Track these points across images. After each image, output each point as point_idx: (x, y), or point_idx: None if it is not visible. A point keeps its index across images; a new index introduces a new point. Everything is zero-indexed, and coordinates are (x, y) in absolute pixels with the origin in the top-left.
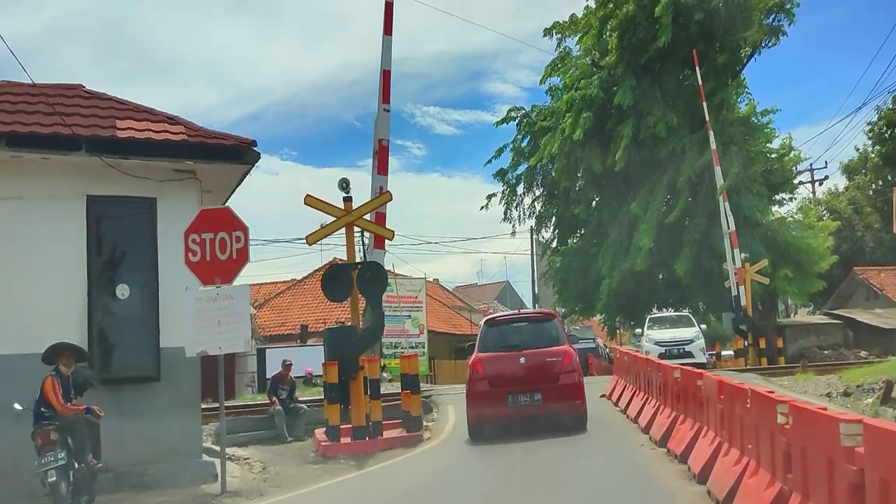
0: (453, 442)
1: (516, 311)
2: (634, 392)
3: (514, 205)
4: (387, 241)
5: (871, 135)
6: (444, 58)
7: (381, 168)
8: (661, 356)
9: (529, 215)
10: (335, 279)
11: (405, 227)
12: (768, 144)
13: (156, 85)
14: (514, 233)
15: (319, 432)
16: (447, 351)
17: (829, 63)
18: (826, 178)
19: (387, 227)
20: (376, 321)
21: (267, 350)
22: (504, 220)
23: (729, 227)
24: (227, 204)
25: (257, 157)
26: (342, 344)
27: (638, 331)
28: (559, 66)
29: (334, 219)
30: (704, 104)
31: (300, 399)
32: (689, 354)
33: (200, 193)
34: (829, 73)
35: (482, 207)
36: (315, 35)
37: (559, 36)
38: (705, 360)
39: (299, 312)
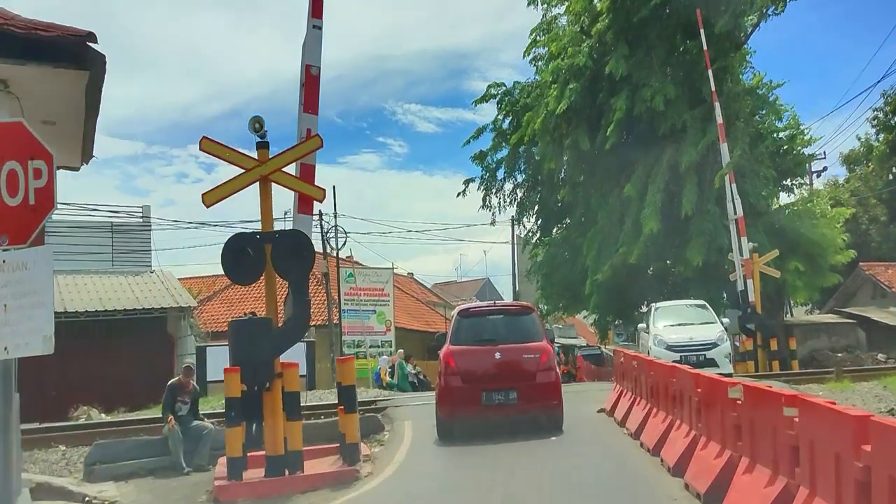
0: (401, 480)
1: (492, 303)
2: (650, 410)
3: (494, 190)
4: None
5: (875, 122)
6: (426, 55)
7: (310, 105)
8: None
9: (510, 202)
10: (240, 253)
11: (387, 224)
12: (776, 123)
13: (133, 78)
14: (493, 222)
15: (224, 462)
16: (419, 350)
17: (825, 54)
18: (825, 168)
19: (317, 185)
20: (299, 312)
21: (209, 349)
22: (483, 207)
23: (735, 212)
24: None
25: (101, 60)
26: (251, 343)
27: (643, 325)
28: (545, 31)
29: (243, 171)
30: (710, 71)
31: (204, 414)
32: (712, 363)
33: (23, 117)
34: (826, 64)
35: (459, 194)
36: (295, 30)
37: (545, 4)
38: (731, 370)
39: (253, 305)
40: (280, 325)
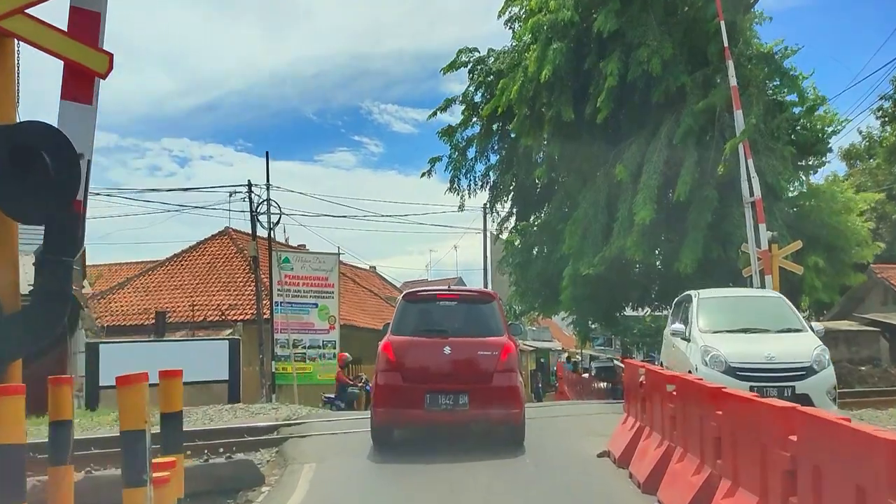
0: None
1: (445, 287)
2: (714, 480)
3: (464, 171)
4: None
5: (880, 114)
6: (405, 56)
7: None
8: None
9: (482, 186)
10: None
11: (360, 223)
12: (789, 97)
13: (114, 73)
14: (462, 206)
15: None
16: (373, 351)
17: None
18: (825, 163)
19: (101, 48)
20: (51, 283)
21: (102, 347)
22: (450, 190)
23: (752, 194)
24: None
25: None
26: None
27: (678, 326)
28: None
29: None
30: (722, 22)
31: None
32: (805, 399)
33: None
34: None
35: (424, 173)
36: (275, 25)
37: None
38: (835, 407)
39: (171, 297)
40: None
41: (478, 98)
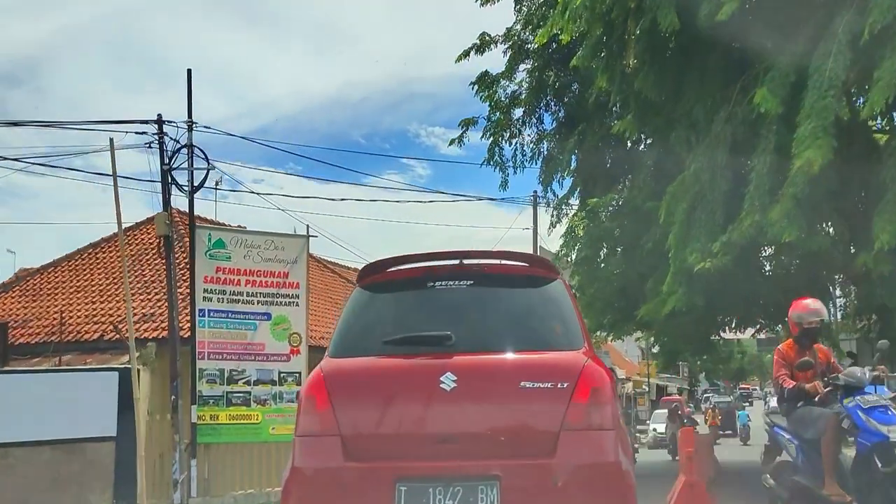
0: None
1: (448, 253)
2: None
3: (507, 137)
4: None
5: None
6: (452, 79)
7: None
8: None
9: (532, 158)
10: None
11: (408, 246)
12: None
13: (163, 94)
14: (504, 183)
15: None
16: None
17: None
18: None
19: None
20: None
21: None
22: (488, 162)
23: None
24: None
25: None
26: None
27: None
28: None
29: None
30: None
31: None
32: None
33: None
34: None
35: (452, 141)
36: (324, 51)
37: None
38: None
39: (68, 302)
40: None
41: (524, 35)
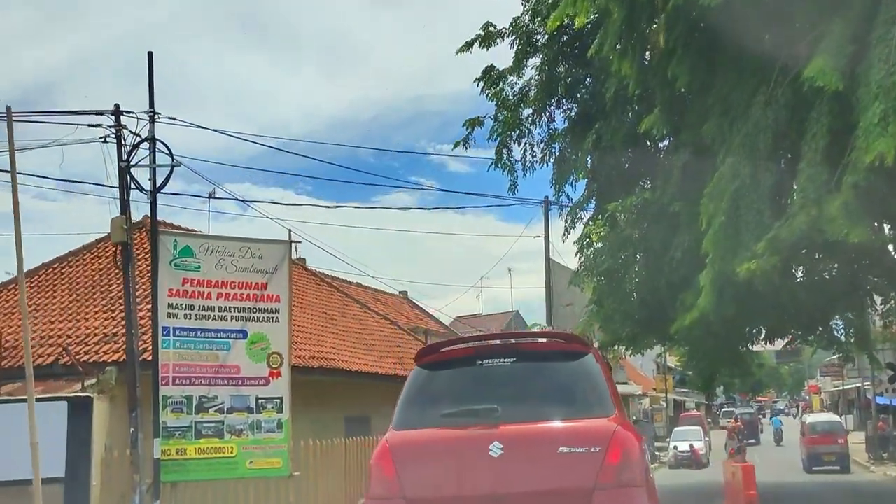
0: None
1: (489, 333)
2: None
3: (516, 136)
4: None
5: None
6: (462, 96)
7: None
8: None
9: (542, 160)
10: None
11: (417, 262)
12: None
13: (176, 114)
14: (513, 185)
15: None
16: (378, 407)
17: None
18: None
19: None
20: None
21: None
22: (496, 164)
23: None
24: None
25: None
26: None
27: None
28: None
29: None
30: None
31: None
32: None
33: None
34: None
35: (457, 143)
36: (334, 70)
37: None
38: None
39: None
40: None
41: (535, 28)
